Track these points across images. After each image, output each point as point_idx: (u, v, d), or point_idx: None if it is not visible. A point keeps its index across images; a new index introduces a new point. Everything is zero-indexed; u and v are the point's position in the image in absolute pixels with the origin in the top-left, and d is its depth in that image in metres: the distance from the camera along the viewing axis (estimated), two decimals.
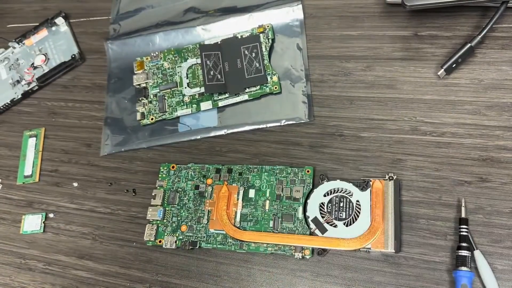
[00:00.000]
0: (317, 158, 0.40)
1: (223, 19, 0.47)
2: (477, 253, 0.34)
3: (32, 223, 0.45)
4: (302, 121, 0.42)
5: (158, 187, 0.42)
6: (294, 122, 0.42)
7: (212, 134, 0.44)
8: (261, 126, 0.43)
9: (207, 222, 0.39)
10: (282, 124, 0.42)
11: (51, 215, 0.45)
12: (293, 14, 0.45)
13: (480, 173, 0.36)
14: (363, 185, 0.37)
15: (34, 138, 0.49)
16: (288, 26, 0.45)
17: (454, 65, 0.39)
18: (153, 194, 0.42)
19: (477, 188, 0.36)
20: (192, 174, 0.42)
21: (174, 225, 0.40)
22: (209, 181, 0.41)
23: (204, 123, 0.44)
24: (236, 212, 0.39)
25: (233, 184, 0.40)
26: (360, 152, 0.39)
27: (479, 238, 0.34)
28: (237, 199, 0.39)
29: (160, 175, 0.43)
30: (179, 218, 0.40)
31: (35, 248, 0.44)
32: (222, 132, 0.44)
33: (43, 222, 0.45)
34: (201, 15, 0.49)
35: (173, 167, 0.43)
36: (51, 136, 0.49)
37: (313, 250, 0.37)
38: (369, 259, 0.36)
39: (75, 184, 0.46)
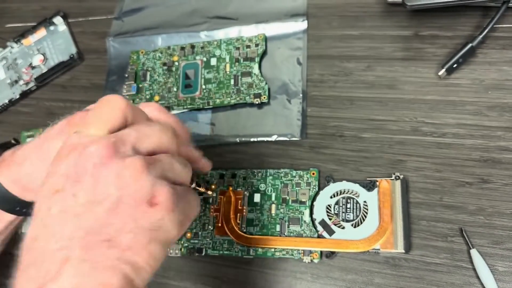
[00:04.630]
0: (317, 159, 0.40)
1: (227, 27, 0.47)
2: (473, 252, 0.33)
3: None
4: (294, 139, 0.41)
5: None
6: (286, 139, 0.41)
7: (204, 143, 0.43)
8: (252, 140, 0.42)
9: (213, 229, 0.39)
10: (273, 139, 0.41)
11: None
12: (297, 29, 0.45)
13: (482, 174, 0.36)
14: (369, 186, 0.37)
15: (32, 139, 0.49)
16: (290, 40, 0.44)
17: (455, 65, 0.39)
18: None
19: (478, 189, 0.36)
20: None
21: None
22: (214, 186, 0.40)
23: (196, 131, 0.44)
24: (242, 217, 0.38)
25: (238, 189, 0.40)
26: (361, 153, 0.39)
27: (480, 239, 0.34)
28: (243, 204, 0.39)
29: None
30: None
31: None
32: (213, 143, 0.43)
33: None
34: (205, 19, 0.48)
35: None
36: None
37: (321, 253, 0.36)
38: (370, 261, 0.36)
39: None
